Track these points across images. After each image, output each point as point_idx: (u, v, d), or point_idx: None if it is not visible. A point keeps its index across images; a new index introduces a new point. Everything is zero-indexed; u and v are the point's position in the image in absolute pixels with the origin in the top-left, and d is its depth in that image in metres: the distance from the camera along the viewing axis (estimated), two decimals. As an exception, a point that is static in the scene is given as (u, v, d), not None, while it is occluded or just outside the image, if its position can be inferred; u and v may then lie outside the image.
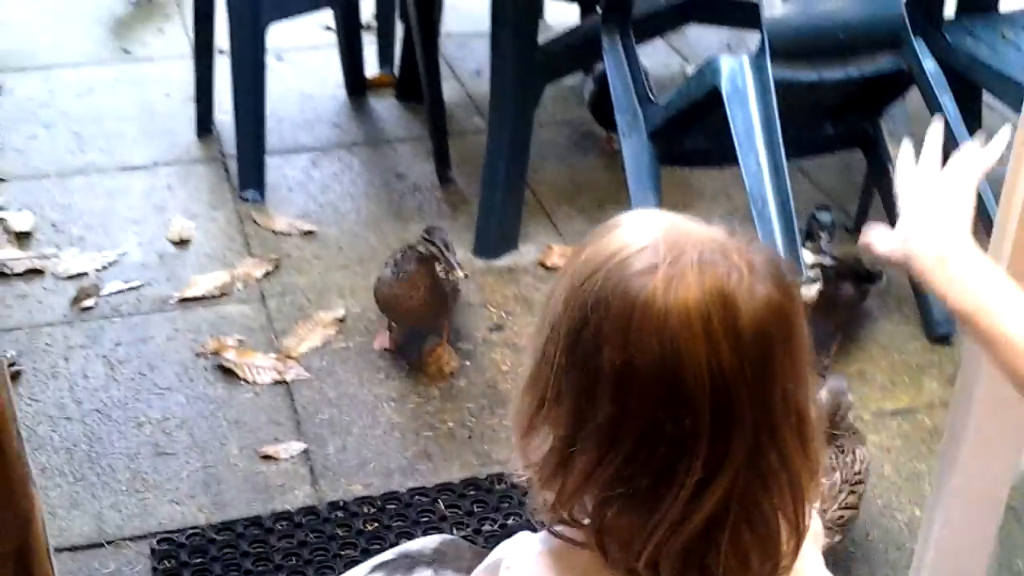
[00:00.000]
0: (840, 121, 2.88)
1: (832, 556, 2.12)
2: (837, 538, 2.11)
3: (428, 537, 1.93)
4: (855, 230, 3.13)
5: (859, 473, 2.18)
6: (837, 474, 2.15)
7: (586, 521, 0.98)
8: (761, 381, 0.92)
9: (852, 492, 2.15)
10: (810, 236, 2.66)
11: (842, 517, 2.13)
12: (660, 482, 0.93)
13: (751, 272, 0.93)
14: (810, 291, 2.56)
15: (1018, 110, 3.04)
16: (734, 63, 2.53)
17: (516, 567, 1.02)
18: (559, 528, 1.00)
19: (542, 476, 0.98)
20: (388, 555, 1.90)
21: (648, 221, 0.98)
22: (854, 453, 2.20)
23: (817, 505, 1.06)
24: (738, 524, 0.95)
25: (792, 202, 2.45)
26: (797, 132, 2.85)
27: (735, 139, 2.48)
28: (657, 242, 0.94)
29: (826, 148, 3.05)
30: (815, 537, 1.09)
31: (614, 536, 0.97)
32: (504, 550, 1.05)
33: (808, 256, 2.59)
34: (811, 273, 2.59)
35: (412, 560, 1.86)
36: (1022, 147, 1.45)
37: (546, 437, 0.98)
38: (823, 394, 2.22)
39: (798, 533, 0.99)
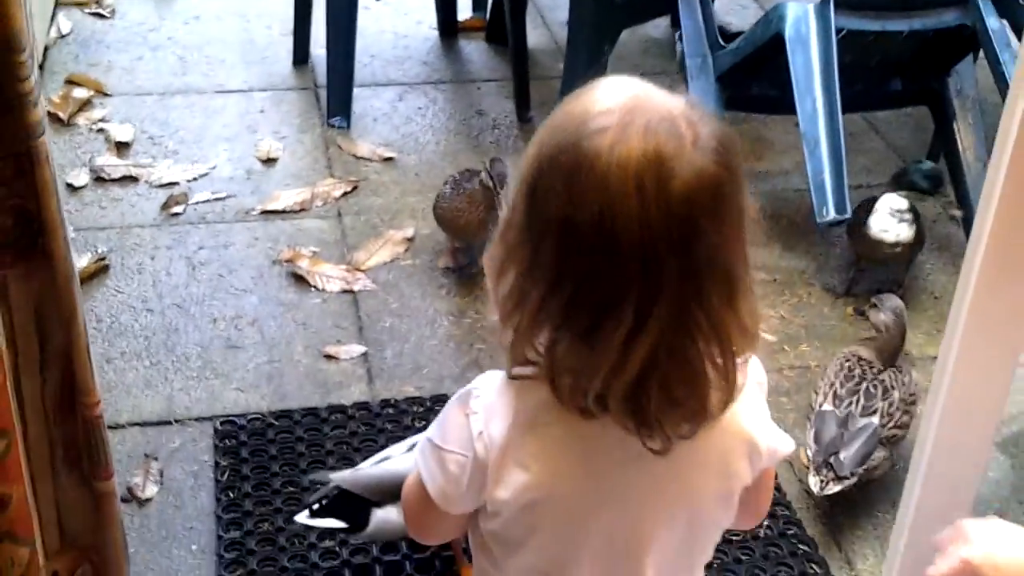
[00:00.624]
0: (908, 77, 2.94)
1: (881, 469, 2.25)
2: (884, 453, 2.22)
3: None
4: (930, 191, 3.18)
5: (913, 395, 2.29)
6: (896, 392, 2.25)
7: (540, 360, 1.08)
8: (687, 243, 1.00)
9: (906, 412, 2.27)
10: (911, 185, 2.74)
11: (895, 436, 2.25)
12: (598, 326, 1.02)
13: (694, 143, 1.02)
14: (908, 231, 2.63)
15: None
16: (799, 9, 2.61)
17: (483, 392, 1.13)
18: (517, 369, 1.11)
19: (503, 314, 1.09)
20: (417, 439, 2.04)
21: (617, 87, 1.07)
22: (910, 375, 2.31)
23: (750, 356, 1.14)
24: (669, 371, 1.04)
25: (844, 147, 2.52)
26: (866, 86, 2.93)
27: (794, 82, 2.55)
28: (616, 107, 1.03)
29: (895, 103, 3.10)
30: (759, 386, 1.19)
31: (564, 376, 1.07)
32: (475, 382, 1.16)
33: (902, 202, 2.64)
34: (907, 216, 2.64)
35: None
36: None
37: (511, 280, 1.08)
38: (890, 316, 2.32)
39: (727, 381, 1.08)
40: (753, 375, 1.16)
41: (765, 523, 2.20)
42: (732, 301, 1.06)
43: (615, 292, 1.02)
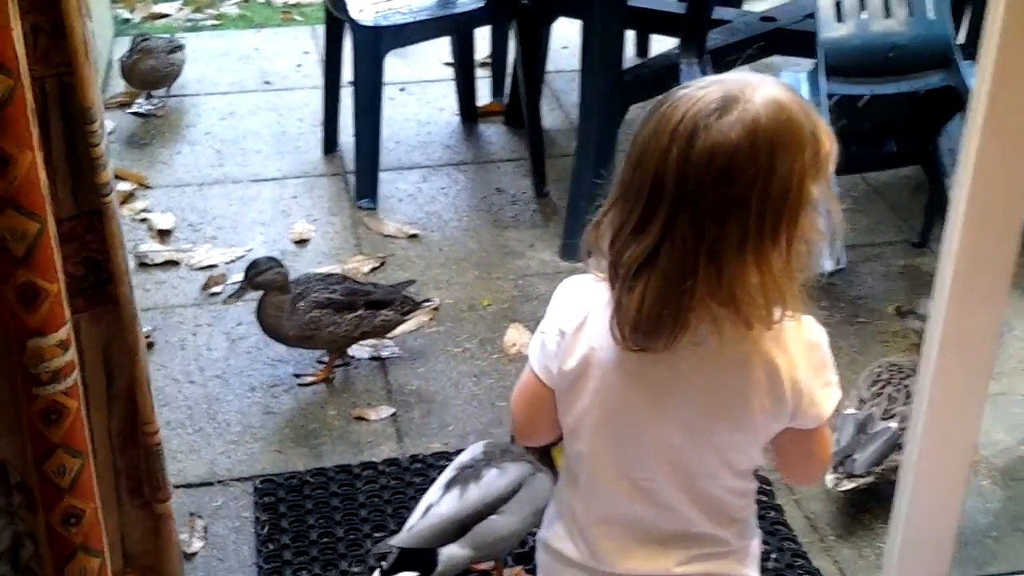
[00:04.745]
0: (901, 139, 3.11)
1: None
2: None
3: (467, 449, 2.24)
4: (921, 244, 3.34)
5: None
6: None
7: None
8: (697, 195, 1.24)
9: None
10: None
11: None
12: (639, 231, 1.27)
13: (739, 119, 1.23)
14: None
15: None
16: (791, 78, 2.80)
17: (573, 280, 1.42)
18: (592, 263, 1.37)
19: (590, 234, 1.35)
20: (449, 473, 2.21)
21: (745, 75, 1.29)
22: None
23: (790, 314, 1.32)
24: (658, 289, 1.27)
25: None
26: (862, 148, 3.11)
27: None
28: (718, 80, 1.27)
29: (890, 164, 3.27)
30: (809, 345, 1.37)
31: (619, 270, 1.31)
32: (562, 284, 1.44)
33: None
34: None
35: (473, 468, 2.17)
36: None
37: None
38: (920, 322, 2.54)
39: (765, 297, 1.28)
40: (804, 335, 1.35)
41: (773, 555, 2.34)
42: (750, 262, 1.25)
43: (636, 198, 1.28)
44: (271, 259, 2.77)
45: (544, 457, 2.17)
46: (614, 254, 1.32)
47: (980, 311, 1.70)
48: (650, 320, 1.28)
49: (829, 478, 2.41)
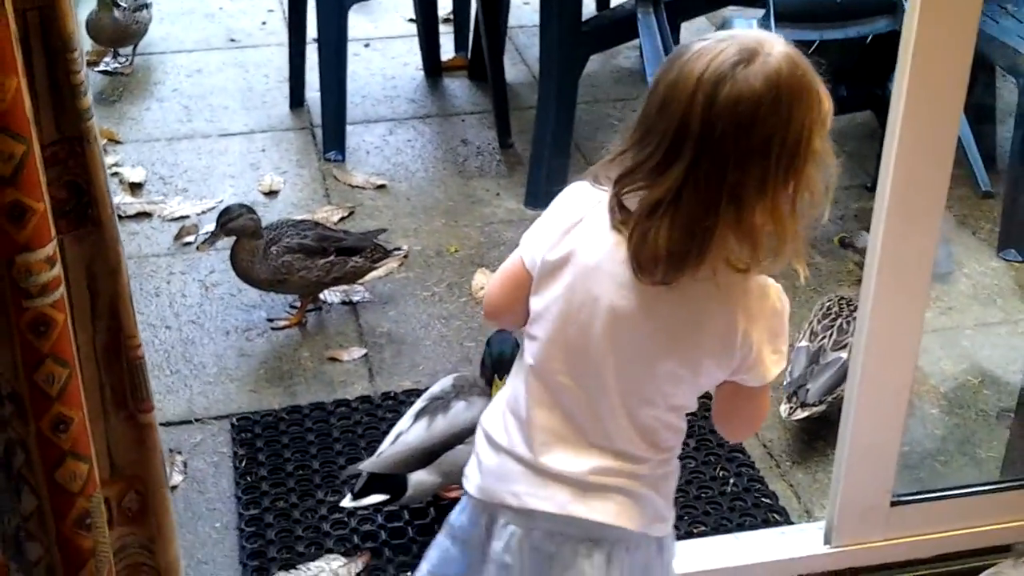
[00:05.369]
0: (852, 84, 3.20)
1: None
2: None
3: (439, 381, 2.33)
4: (874, 188, 3.44)
5: None
6: None
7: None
8: (721, 140, 1.33)
9: None
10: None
11: None
12: (661, 171, 1.36)
13: (761, 71, 1.32)
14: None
15: (1016, 76, 3.34)
16: (744, 24, 2.88)
17: (582, 184, 1.50)
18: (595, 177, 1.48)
19: (602, 167, 1.46)
20: (419, 403, 2.30)
21: (753, 31, 1.40)
22: None
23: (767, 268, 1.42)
24: (675, 221, 1.36)
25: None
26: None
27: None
28: (731, 35, 1.36)
29: (842, 109, 3.33)
30: (773, 311, 1.46)
31: (629, 201, 1.41)
32: (569, 186, 1.53)
33: None
34: None
35: (443, 399, 2.26)
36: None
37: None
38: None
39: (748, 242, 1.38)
40: (771, 300, 1.45)
41: (731, 480, 2.45)
42: (764, 205, 1.35)
43: (658, 140, 1.37)
44: (243, 205, 2.84)
45: (487, 386, 2.28)
46: (622, 189, 1.41)
47: (915, 235, 1.80)
48: (678, 255, 1.37)
49: (784, 408, 2.52)
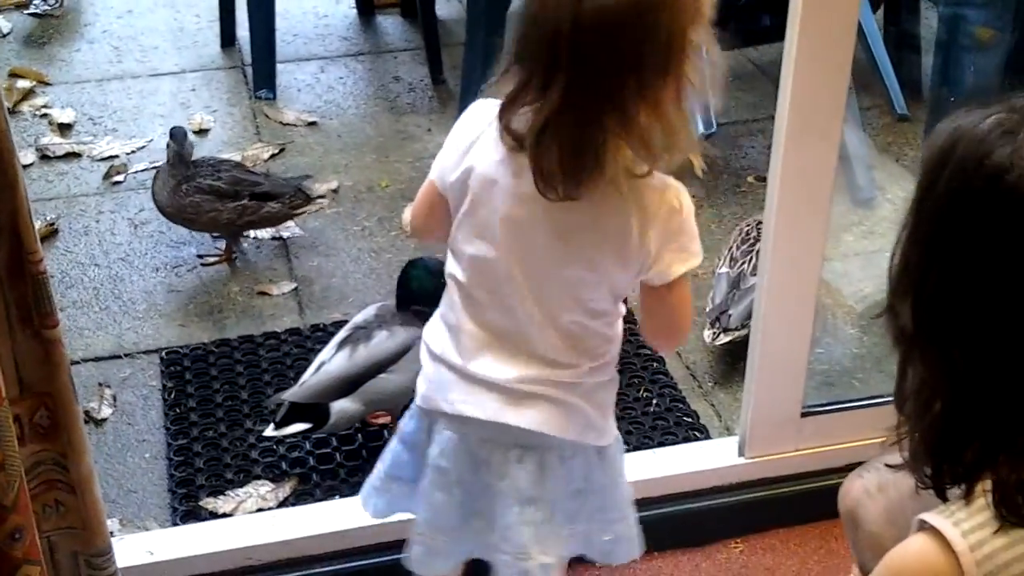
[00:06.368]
0: (775, 13, 3.22)
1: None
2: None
3: (363, 311, 2.35)
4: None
5: None
6: None
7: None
8: (593, 53, 1.35)
9: None
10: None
11: None
12: (543, 90, 1.38)
13: None
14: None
15: (935, 2, 3.36)
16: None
17: (480, 104, 1.53)
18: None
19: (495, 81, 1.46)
20: (343, 333, 2.32)
21: None
22: None
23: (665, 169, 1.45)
24: (563, 139, 1.39)
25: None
26: (740, 23, 3.23)
27: None
28: None
29: (767, 39, 3.39)
30: (671, 210, 1.48)
31: (517, 122, 1.43)
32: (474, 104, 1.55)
33: None
34: None
35: (366, 329, 2.29)
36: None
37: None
38: None
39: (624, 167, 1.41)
40: (668, 199, 1.47)
41: (654, 401, 2.50)
42: (647, 106, 1.38)
43: (534, 60, 1.39)
44: (183, 133, 2.85)
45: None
46: (512, 115, 1.43)
47: (814, 147, 1.84)
48: (573, 171, 1.40)
49: (707, 333, 2.57)
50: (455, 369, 1.58)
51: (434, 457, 1.63)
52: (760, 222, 2.68)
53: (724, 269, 2.64)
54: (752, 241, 2.64)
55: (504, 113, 1.45)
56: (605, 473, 1.66)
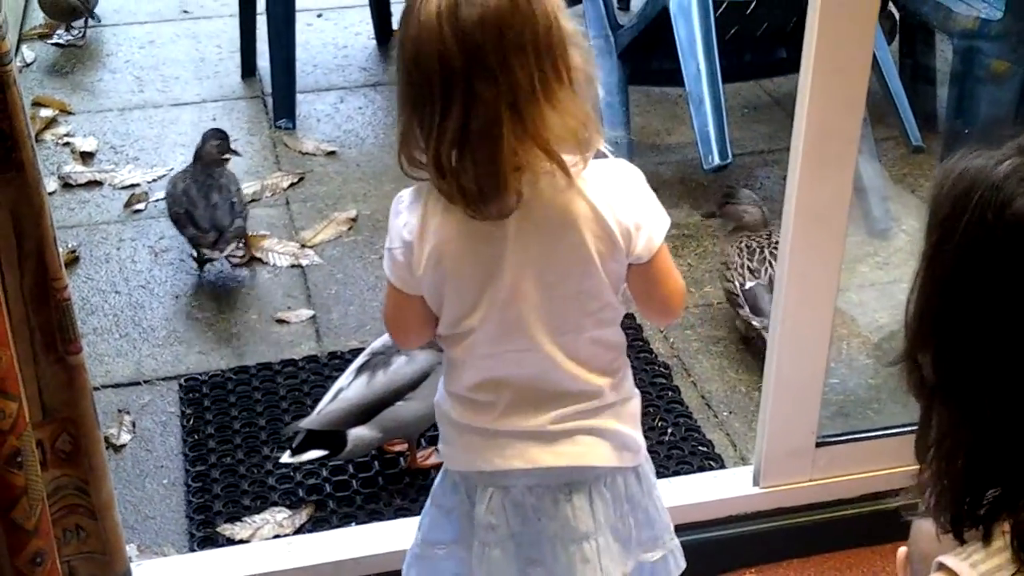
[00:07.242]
0: (792, 46, 3.22)
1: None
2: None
3: (381, 336, 2.36)
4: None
5: None
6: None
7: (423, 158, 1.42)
8: (479, 61, 1.34)
9: None
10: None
11: None
12: (445, 116, 1.36)
13: None
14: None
15: (949, 34, 3.38)
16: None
17: (404, 199, 1.51)
18: (409, 170, 1.45)
19: (404, 148, 1.43)
20: (361, 358, 2.34)
21: None
22: None
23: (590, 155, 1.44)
24: (477, 158, 1.37)
25: (724, 103, 2.84)
26: (755, 56, 3.28)
27: (679, 49, 2.87)
28: None
29: (782, 71, 3.42)
30: (628, 179, 1.48)
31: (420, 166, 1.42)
32: (398, 194, 1.53)
33: None
34: None
35: (384, 355, 2.30)
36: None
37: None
38: (747, 201, 2.73)
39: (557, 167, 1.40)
40: (614, 174, 1.48)
41: (669, 430, 2.50)
42: (545, 103, 1.37)
43: (429, 94, 1.36)
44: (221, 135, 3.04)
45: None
46: (434, 151, 1.39)
47: (830, 177, 1.85)
48: (489, 184, 1.39)
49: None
50: (484, 433, 1.57)
51: (481, 516, 1.61)
52: (746, 234, 2.71)
53: (751, 283, 2.64)
54: (755, 249, 2.68)
55: (430, 151, 1.40)
56: (643, 492, 1.67)
